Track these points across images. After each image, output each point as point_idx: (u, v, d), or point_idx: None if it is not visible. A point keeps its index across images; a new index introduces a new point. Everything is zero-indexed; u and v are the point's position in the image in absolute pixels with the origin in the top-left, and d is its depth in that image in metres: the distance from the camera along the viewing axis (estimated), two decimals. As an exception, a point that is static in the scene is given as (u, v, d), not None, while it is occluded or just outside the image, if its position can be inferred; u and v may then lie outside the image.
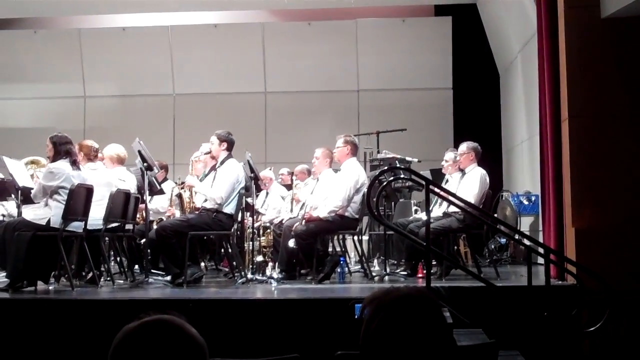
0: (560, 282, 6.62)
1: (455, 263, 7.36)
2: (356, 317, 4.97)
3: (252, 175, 7.85)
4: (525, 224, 10.72)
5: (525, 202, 10.57)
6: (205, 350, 1.57)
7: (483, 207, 7.68)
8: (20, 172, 7.90)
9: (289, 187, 10.19)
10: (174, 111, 14.35)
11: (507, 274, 8.31)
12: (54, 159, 6.95)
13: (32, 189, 7.35)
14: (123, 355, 1.53)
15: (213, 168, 7.84)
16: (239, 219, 8.22)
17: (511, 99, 12.74)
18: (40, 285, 6.73)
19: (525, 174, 11.60)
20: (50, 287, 6.90)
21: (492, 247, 10.36)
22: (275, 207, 10.17)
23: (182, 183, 8.39)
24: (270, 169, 10.66)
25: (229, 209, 7.44)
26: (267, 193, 10.40)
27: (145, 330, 1.54)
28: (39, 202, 7.08)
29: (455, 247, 8.70)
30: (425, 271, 6.41)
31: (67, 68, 14.45)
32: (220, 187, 7.39)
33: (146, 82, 14.29)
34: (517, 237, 8.14)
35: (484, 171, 7.83)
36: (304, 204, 8.65)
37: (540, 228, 8.32)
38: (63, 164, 6.83)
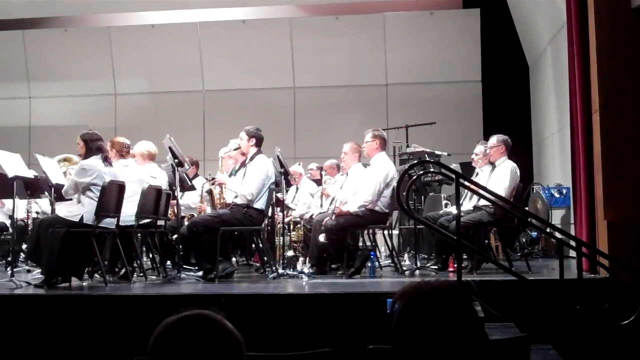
0: (592, 275, 6.57)
1: (486, 257, 7.33)
2: (388, 311, 4.99)
3: (282, 170, 7.86)
4: (556, 216, 10.65)
5: (557, 195, 10.50)
6: (242, 346, 1.59)
7: (514, 200, 7.64)
8: (53, 170, 7.99)
9: (318, 182, 10.21)
10: (203, 107, 14.44)
11: (538, 268, 8.26)
12: (85, 156, 7.03)
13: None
14: (162, 347, 1.56)
15: (243, 164, 7.88)
16: (270, 214, 8.26)
17: (541, 91, 12.65)
18: (74, 282, 6.82)
19: (556, 167, 11.52)
20: (84, 283, 6.96)
21: (524, 240, 10.31)
22: (305, 202, 10.19)
23: (213, 179, 8.44)
24: (299, 164, 10.68)
25: (260, 204, 7.47)
26: (297, 188, 10.42)
27: (185, 324, 1.57)
28: (70, 198, 7.17)
29: (486, 241, 8.67)
30: (456, 265, 6.40)
31: (97, 66, 14.60)
32: (250, 183, 7.43)
33: (175, 78, 14.40)
34: (548, 230, 8.09)
35: (514, 164, 7.79)
36: (333, 198, 8.66)
37: (572, 221, 8.25)
38: (95, 161, 6.91)
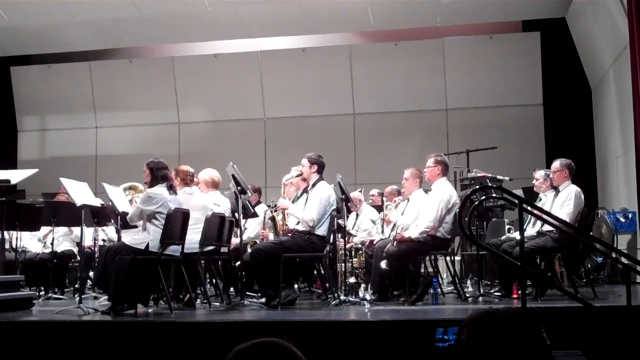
0: (661, 301, 6.43)
1: (551, 283, 7.22)
2: (436, 342, 4.92)
3: (343, 196, 7.89)
4: (622, 241, 10.45)
5: (622, 220, 10.31)
6: None
7: (579, 225, 7.52)
8: (120, 198, 8.15)
9: (379, 207, 10.19)
10: (264, 135, 14.59)
11: (605, 294, 8.11)
12: (151, 184, 7.15)
13: (130, 213, 7.60)
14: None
15: (305, 191, 7.93)
16: (331, 240, 8.28)
17: (604, 113, 12.47)
18: (140, 308, 6.91)
19: (621, 191, 11.32)
20: (150, 310, 7.08)
21: (589, 266, 10.13)
22: (365, 228, 10.18)
23: (275, 206, 8.50)
24: (360, 191, 10.67)
25: (321, 230, 7.51)
26: (357, 215, 10.41)
27: (256, 351, 1.61)
28: (135, 226, 7.30)
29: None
30: (520, 292, 6.32)
31: (161, 95, 14.90)
32: (312, 209, 7.47)
33: (237, 107, 14.60)
34: (614, 255, 7.94)
35: (578, 188, 7.67)
36: (395, 224, 8.64)
37: (639, 246, 8.10)
38: (161, 189, 7.03)
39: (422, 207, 7.85)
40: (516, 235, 7.75)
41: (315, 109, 14.33)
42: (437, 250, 7.93)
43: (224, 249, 8.06)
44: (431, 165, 7.88)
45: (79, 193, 7.41)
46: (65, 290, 9.67)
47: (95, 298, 8.43)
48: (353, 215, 10.23)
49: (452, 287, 8.59)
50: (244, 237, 8.31)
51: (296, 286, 8.84)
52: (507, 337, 1.72)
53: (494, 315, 1.78)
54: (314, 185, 7.69)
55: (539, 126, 13.69)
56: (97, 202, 8.16)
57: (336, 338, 5.70)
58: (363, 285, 8.20)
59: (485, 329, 1.75)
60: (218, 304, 7.74)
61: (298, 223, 7.60)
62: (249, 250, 8.03)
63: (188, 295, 7.41)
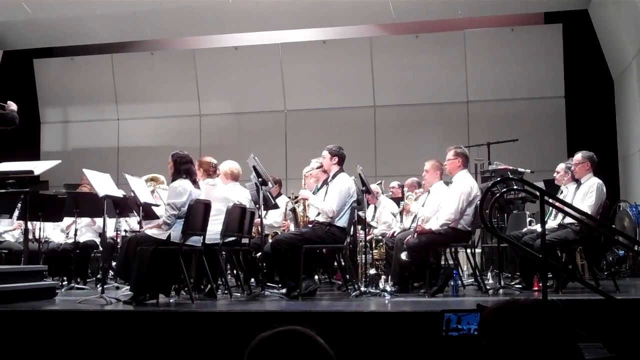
0: (683, 294, 6.39)
1: (572, 275, 7.19)
2: (450, 330, 4.90)
3: (363, 188, 7.89)
4: (644, 234, 10.38)
5: (644, 213, 10.24)
6: None
7: (600, 218, 7.48)
8: (142, 189, 8.19)
9: (399, 200, 10.18)
10: (285, 127, 14.62)
11: (626, 287, 8.06)
12: (173, 176, 7.18)
13: (153, 204, 7.63)
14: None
15: (325, 182, 7.94)
16: (352, 232, 8.29)
17: (626, 106, 12.38)
18: (162, 298, 6.95)
19: (643, 184, 11.25)
20: (171, 300, 7.11)
21: (610, 259, 10.07)
22: (385, 221, 10.16)
23: (296, 197, 8.52)
24: (378, 184, 10.64)
25: (342, 222, 7.51)
26: (375, 207, 10.38)
27: (279, 338, 1.63)
28: (157, 216, 7.31)
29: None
30: (541, 284, 6.30)
31: (182, 87, 14.96)
32: (331, 200, 7.48)
33: (258, 99, 14.63)
34: (636, 248, 7.88)
35: (600, 181, 7.61)
36: (415, 216, 8.63)
37: (661, 239, 8.05)
38: (185, 182, 7.05)
39: (443, 199, 7.84)
40: (537, 227, 7.72)
41: (335, 101, 14.33)
42: (458, 242, 7.90)
43: (244, 240, 8.10)
44: (451, 157, 7.86)
45: (102, 184, 7.44)
46: (88, 280, 9.75)
47: (117, 288, 8.51)
48: (371, 207, 10.22)
49: (473, 280, 8.57)
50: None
51: (316, 277, 8.86)
52: (531, 327, 1.71)
53: (517, 305, 1.78)
54: (334, 176, 7.70)
55: (561, 118, 13.62)
56: (119, 193, 8.20)
57: (356, 329, 5.71)
58: (383, 277, 8.22)
59: (508, 319, 1.75)
60: (239, 294, 7.78)
61: (318, 214, 7.61)
62: (270, 241, 8.05)
63: (209, 286, 7.45)
